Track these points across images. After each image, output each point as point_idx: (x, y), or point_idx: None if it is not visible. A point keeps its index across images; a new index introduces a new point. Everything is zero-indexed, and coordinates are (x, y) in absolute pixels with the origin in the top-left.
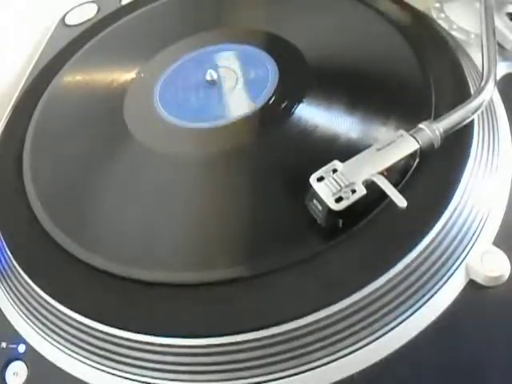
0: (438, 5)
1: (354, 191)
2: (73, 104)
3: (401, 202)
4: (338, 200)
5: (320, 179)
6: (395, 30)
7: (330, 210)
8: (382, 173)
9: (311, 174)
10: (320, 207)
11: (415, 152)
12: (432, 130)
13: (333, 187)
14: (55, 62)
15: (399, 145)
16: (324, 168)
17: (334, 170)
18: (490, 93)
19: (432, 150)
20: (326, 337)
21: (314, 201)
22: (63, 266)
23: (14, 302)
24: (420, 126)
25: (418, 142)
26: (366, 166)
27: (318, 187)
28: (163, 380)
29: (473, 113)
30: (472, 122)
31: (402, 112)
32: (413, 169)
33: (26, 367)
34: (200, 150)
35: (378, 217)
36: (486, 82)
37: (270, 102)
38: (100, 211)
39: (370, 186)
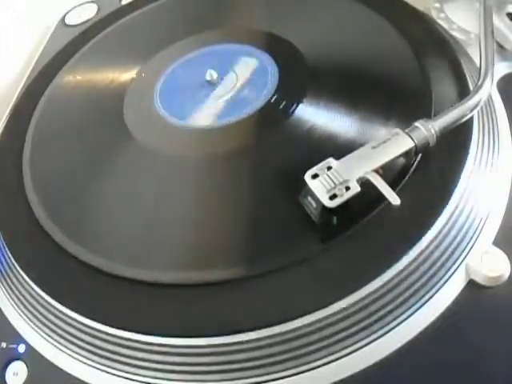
0: (437, 5)
1: (348, 188)
2: (73, 104)
3: (394, 199)
4: (332, 197)
5: (315, 176)
6: (395, 30)
7: (324, 207)
8: (376, 170)
9: None
10: (314, 204)
11: (411, 150)
12: (427, 129)
13: (327, 184)
14: (55, 62)
15: (394, 143)
16: (319, 165)
17: (329, 168)
18: (487, 91)
19: (427, 148)
20: (325, 337)
21: (309, 198)
22: (63, 266)
23: (14, 301)
24: (416, 124)
25: (413, 140)
26: (361, 164)
27: (312, 184)
28: (163, 380)
29: (470, 111)
30: (471, 121)
31: (402, 112)
32: (412, 168)
33: (25, 367)
34: (200, 150)
35: (377, 216)
36: (483, 81)
37: (271, 102)
38: (100, 211)
39: (365, 183)
